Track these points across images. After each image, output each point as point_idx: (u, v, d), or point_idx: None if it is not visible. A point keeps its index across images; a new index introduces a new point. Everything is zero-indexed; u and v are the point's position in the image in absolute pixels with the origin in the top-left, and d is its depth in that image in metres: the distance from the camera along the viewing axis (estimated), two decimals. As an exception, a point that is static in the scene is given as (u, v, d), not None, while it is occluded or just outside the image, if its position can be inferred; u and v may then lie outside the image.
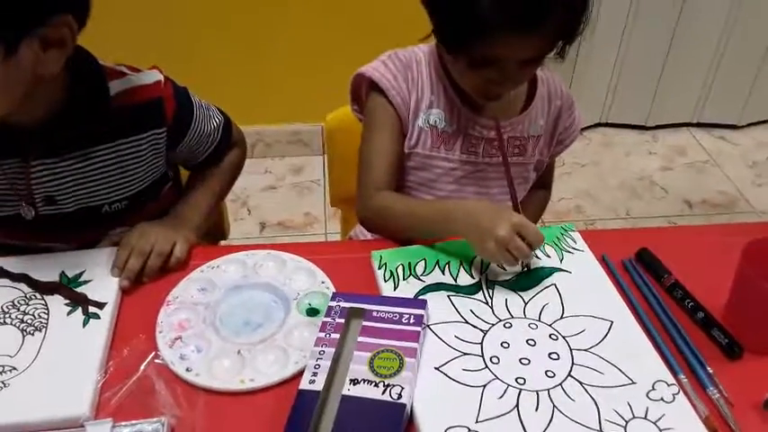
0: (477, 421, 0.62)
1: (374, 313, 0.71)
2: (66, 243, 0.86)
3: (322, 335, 0.69)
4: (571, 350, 0.70)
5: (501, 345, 0.70)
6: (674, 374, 0.68)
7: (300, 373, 0.66)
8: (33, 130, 0.79)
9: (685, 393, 0.66)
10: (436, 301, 0.76)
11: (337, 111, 1.12)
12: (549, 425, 0.62)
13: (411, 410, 0.63)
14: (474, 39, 0.77)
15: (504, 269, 0.81)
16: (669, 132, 2.48)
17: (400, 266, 0.81)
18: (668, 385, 0.66)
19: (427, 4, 0.81)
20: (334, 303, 0.73)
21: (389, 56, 0.94)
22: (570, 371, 0.68)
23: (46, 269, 0.80)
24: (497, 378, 0.66)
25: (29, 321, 0.73)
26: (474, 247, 0.80)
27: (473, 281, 0.80)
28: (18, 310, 0.75)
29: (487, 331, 0.72)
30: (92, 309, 0.75)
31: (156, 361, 0.70)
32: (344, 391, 0.63)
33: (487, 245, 0.76)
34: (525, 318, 0.74)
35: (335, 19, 2.00)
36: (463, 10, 0.75)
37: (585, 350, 0.70)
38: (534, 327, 0.73)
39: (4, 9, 0.64)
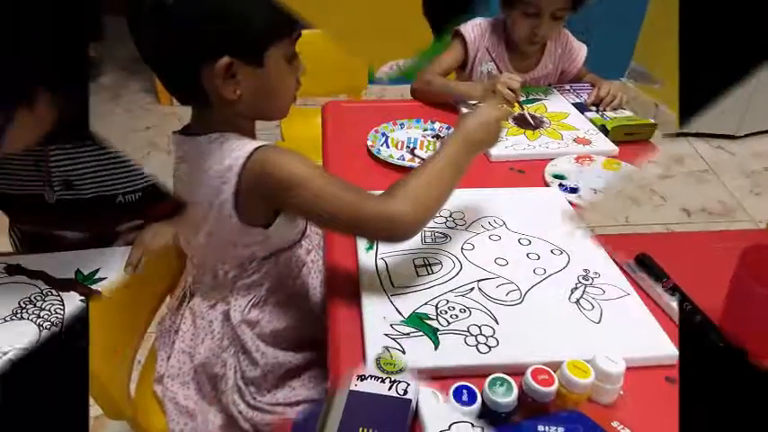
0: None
1: (381, 312, 0.73)
2: (83, 231, 0.89)
3: (330, 333, 0.71)
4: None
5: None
6: (672, 375, 0.70)
7: (310, 370, 0.68)
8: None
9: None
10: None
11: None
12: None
13: (416, 406, 0.65)
14: None
15: None
16: (668, 141, 2.50)
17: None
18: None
19: None
20: (342, 303, 0.75)
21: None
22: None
23: (62, 267, 0.82)
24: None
25: (45, 317, 0.75)
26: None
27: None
28: (35, 305, 0.77)
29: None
30: (106, 305, 0.77)
31: (169, 356, 0.72)
32: (352, 387, 0.65)
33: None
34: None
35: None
36: None
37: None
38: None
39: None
